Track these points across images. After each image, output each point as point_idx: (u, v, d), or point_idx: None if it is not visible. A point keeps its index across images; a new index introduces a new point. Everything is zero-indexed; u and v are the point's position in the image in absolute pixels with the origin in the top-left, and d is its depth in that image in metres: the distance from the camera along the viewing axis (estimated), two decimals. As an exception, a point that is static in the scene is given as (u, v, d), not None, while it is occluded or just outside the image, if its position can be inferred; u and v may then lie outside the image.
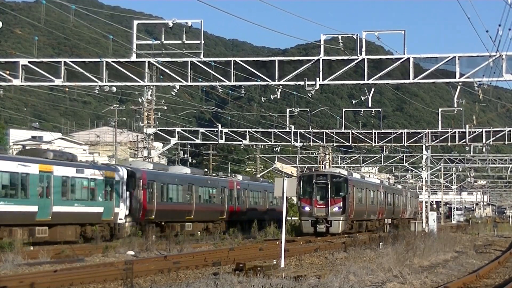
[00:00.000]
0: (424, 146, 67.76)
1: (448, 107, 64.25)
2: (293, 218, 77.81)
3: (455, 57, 36.68)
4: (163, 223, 53.50)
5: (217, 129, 63.49)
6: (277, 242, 42.47)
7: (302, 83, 37.41)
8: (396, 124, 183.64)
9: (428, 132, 63.87)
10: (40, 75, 38.43)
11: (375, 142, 64.09)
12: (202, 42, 37.43)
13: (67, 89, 46.74)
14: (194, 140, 64.45)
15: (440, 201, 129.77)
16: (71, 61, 38.89)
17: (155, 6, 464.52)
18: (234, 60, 38.16)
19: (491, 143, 63.97)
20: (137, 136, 71.64)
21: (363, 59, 37.03)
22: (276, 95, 39.84)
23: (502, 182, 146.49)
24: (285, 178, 31.37)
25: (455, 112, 57.74)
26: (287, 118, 66.95)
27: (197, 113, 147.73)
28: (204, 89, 52.63)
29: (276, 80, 37.56)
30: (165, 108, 69.86)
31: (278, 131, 65.69)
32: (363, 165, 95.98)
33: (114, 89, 40.03)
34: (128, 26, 40.16)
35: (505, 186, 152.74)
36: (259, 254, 37.00)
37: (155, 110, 66.67)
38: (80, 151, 78.16)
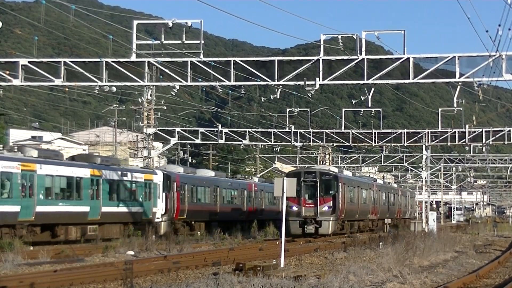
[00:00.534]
0: (424, 146, 67.72)
1: (448, 107, 64.23)
2: None
3: (455, 57, 36.68)
4: (193, 222, 58.44)
5: (217, 129, 63.48)
6: (277, 242, 42.48)
7: (302, 83, 37.40)
8: (396, 124, 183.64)
9: (428, 132, 63.85)
10: (40, 75, 38.42)
11: (375, 142, 64.07)
12: (202, 42, 37.42)
13: (67, 89, 46.69)
14: (194, 140, 64.44)
15: (440, 201, 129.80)
16: (71, 61, 38.89)
17: (155, 6, 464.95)
18: (234, 60, 38.16)
19: (491, 143, 63.97)
20: (137, 136, 71.66)
21: (363, 59, 37.03)
22: (276, 95, 39.83)
23: (502, 182, 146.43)
24: (285, 178, 31.32)
25: (455, 112, 57.72)
26: (287, 118, 66.94)
27: (197, 113, 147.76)
28: (204, 89, 52.67)
29: (276, 80, 37.56)
30: (165, 108, 69.86)
31: (278, 131, 65.69)
32: (363, 165, 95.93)
33: (114, 89, 40.02)
34: (128, 26, 40.16)
35: (505, 186, 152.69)
36: (259, 254, 37.01)
37: (155, 110, 66.66)
38: (80, 151, 78.10)
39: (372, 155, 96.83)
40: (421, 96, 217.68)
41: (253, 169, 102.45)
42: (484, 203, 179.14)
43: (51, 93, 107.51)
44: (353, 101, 57.40)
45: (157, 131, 63.79)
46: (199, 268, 29.51)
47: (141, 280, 24.89)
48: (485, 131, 62.25)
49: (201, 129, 65.28)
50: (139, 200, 51.63)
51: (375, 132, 64.49)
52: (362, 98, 39.78)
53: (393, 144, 68.79)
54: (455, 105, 41.90)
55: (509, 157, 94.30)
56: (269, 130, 67.28)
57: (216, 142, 65.36)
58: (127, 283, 22.61)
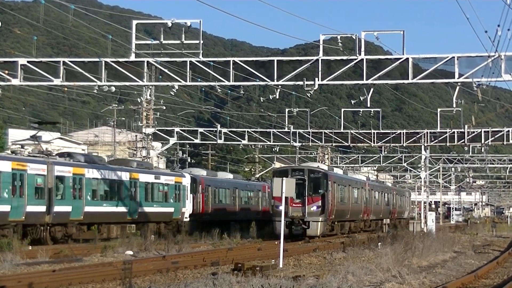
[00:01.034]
0: (423, 146, 67.69)
1: (447, 107, 64.25)
2: None
3: (454, 57, 36.69)
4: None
5: (216, 129, 63.48)
6: (276, 242, 42.46)
7: (301, 83, 37.41)
8: (395, 124, 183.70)
9: (427, 132, 63.85)
10: (39, 74, 38.42)
11: (374, 142, 64.04)
12: (201, 42, 37.43)
13: (66, 89, 46.77)
14: (193, 140, 64.42)
15: (439, 201, 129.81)
16: (70, 61, 38.88)
17: (154, 6, 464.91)
18: (233, 60, 38.16)
19: (489, 143, 63.98)
20: (136, 136, 71.64)
21: (362, 59, 37.04)
22: (275, 95, 39.84)
23: (501, 182, 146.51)
24: (284, 178, 31.27)
25: (454, 112, 57.67)
26: (286, 118, 66.94)
27: (196, 113, 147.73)
28: (203, 89, 52.58)
29: (275, 80, 37.56)
30: (164, 108, 69.84)
31: (277, 131, 65.67)
32: (362, 165, 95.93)
33: (113, 89, 40.02)
34: (127, 26, 40.16)
35: (503, 186, 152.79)
36: (258, 254, 37.02)
37: (154, 110, 66.64)
38: (79, 151, 78.08)
39: (371, 155, 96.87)
40: (420, 96, 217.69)
41: (252, 169, 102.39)
42: (483, 203, 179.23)
43: (50, 92, 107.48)
44: (352, 101, 57.47)
45: (156, 131, 63.79)
46: (198, 268, 29.51)
47: (140, 280, 24.88)
48: (484, 131, 62.26)
49: (200, 129, 65.27)
50: (170, 201, 55.90)
51: (374, 132, 64.46)
52: (361, 98, 39.80)
53: (392, 144, 68.74)
54: (454, 105, 41.93)
55: (508, 157, 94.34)
56: (268, 130, 67.26)
57: (215, 142, 65.34)
58: (125, 283, 22.60)
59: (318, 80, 37.16)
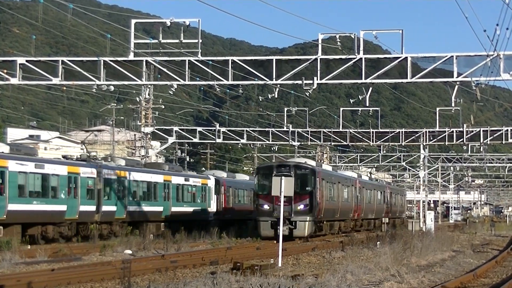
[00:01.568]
0: (421, 146, 67.70)
1: (445, 107, 64.25)
2: None
3: (452, 56, 36.69)
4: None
5: (214, 128, 63.49)
6: (274, 242, 42.44)
7: (300, 82, 37.40)
8: (393, 123, 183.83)
9: (426, 131, 63.90)
10: (38, 74, 38.39)
11: (372, 142, 64.07)
12: (200, 41, 37.43)
13: (64, 88, 46.77)
14: (192, 139, 64.42)
15: (438, 201, 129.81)
16: (69, 60, 38.86)
17: (153, 5, 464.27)
18: (231, 59, 38.16)
19: (488, 142, 64.02)
20: (135, 135, 71.62)
21: (361, 58, 37.03)
22: (273, 94, 39.85)
23: (500, 182, 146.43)
24: (282, 177, 31.17)
25: (452, 111, 57.71)
26: (285, 117, 66.93)
27: (195, 112, 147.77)
28: (202, 88, 52.51)
29: (274, 79, 37.56)
30: (163, 107, 69.81)
31: (276, 130, 65.69)
32: (360, 164, 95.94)
33: (112, 88, 39.94)
34: (126, 25, 40.13)
35: (502, 185, 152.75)
36: (257, 253, 37.02)
37: (153, 109, 66.62)
38: (77, 150, 78.06)
39: (370, 154, 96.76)
40: (419, 95, 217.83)
41: (250, 169, 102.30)
42: (482, 202, 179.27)
43: (49, 92, 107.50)
44: (351, 101, 57.48)
45: (155, 130, 63.82)
46: (197, 267, 29.49)
47: (139, 279, 24.86)
48: (483, 130, 62.31)
49: (199, 128, 65.28)
50: (198, 201, 60.53)
51: (373, 132, 64.50)
52: (360, 97, 39.78)
53: (391, 144, 68.81)
54: (453, 104, 41.86)
55: (506, 156, 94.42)
56: (267, 129, 67.28)
57: (214, 141, 65.39)
58: (124, 282, 22.57)
59: (317, 79, 37.16)
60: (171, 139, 63.21)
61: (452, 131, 62.57)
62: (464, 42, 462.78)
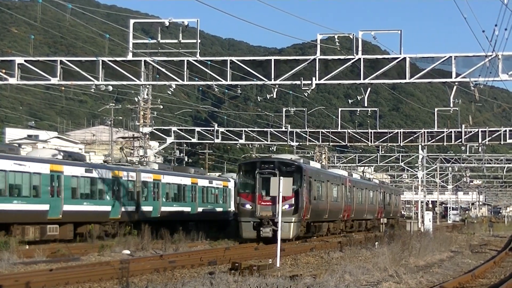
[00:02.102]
0: (420, 146, 67.77)
1: (444, 107, 64.27)
2: None
3: (451, 57, 36.69)
4: None
5: (213, 128, 63.48)
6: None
7: (298, 82, 37.40)
8: (392, 123, 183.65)
9: (424, 131, 63.87)
10: (36, 73, 38.38)
11: (371, 142, 64.06)
12: (199, 41, 37.42)
13: (63, 88, 46.72)
14: (190, 139, 64.41)
15: (436, 201, 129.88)
16: (67, 60, 38.84)
17: (152, 5, 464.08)
18: (230, 59, 38.16)
19: (487, 143, 64.02)
20: (133, 135, 71.55)
21: (359, 58, 37.03)
22: (272, 95, 39.86)
23: (498, 182, 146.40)
24: (281, 177, 31.10)
25: (451, 112, 57.65)
26: (283, 118, 66.89)
27: (193, 112, 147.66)
28: (200, 88, 52.47)
29: (272, 80, 37.56)
30: (161, 107, 69.77)
31: (274, 131, 65.67)
32: (359, 164, 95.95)
33: (110, 88, 39.95)
34: (125, 25, 40.13)
35: (500, 186, 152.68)
36: (255, 253, 37.02)
37: (151, 109, 66.59)
38: (76, 150, 78.02)
39: (368, 154, 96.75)
40: (417, 96, 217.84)
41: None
42: (480, 203, 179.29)
43: (47, 92, 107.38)
44: (350, 101, 57.53)
45: (153, 130, 63.80)
46: (195, 267, 29.50)
47: (137, 279, 24.86)
48: (481, 131, 62.31)
49: (197, 129, 65.26)
50: (219, 202, 64.93)
51: (371, 132, 64.49)
52: (359, 97, 39.82)
53: (389, 144, 68.72)
54: (451, 105, 41.94)
55: (505, 157, 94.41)
56: (265, 129, 67.25)
57: (213, 142, 65.39)
58: (123, 282, 22.58)
59: (315, 80, 37.16)
60: (170, 139, 63.21)
61: (451, 132, 62.56)
62: (463, 43, 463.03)
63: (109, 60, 38.40)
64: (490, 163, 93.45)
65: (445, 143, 65.50)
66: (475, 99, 38.84)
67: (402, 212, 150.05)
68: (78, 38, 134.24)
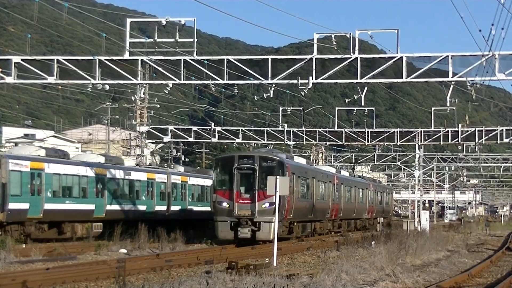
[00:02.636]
0: (416, 145, 67.73)
1: (441, 106, 64.28)
2: None
3: (448, 56, 36.72)
4: None
5: (210, 127, 63.47)
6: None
7: (295, 81, 37.42)
8: (389, 123, 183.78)
9: (421, 131, 63.93)
10: (33, 72, 38.36)
11: (368, 141, 64.09)
12: (195, 40, 37.40)
13: (60, 87, 46.66)
14: (187, 138, 64.39)
15: (433, 200, 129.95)
16: (64, 59, 38.83)
17: (148, 4, 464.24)
18: (227, 59, 38.16)
19: (483, 142, 64.06)
20: (130, 134, 71.56)
21: (356, 58, 37.04)
22: (269, 94, 39.89)
23: (495, 181, 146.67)
24: (277, 176, 30.87)
25: (448, 111, 57.76)
26: (280, 117, 66.95)
27: (190, 111, 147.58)
28: (197, 87, 52.56)
29: (269, 79, 37.56)
30: (158, 106, 69.70)
31: (271, 130, 65.68)
32: (356, 164, 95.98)
33: (107, 87, 39.92)
34: (121, 24, 40.09)
35: (497, 185, 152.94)
36: (252, 252, 37.00)
37: (148, 108, 66.56)
38: (72, 149, 77.97)
39: (365, 154, 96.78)
40: (414, 95, 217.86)
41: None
42: (477, 202, 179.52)
43: (44, 91, 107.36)
44: (346, 100, 57.52)
45: (150, 129, 63.78)
46: (192, 266, 29.47)
47: (134, 278, 24.84)
48: (478, 130, 62.35)
49: (194, 128, 65.26)
50: None
51: (368, 131, 64.54)
52: (355, 97, 39.82)
53: (386, 143, 68.80)
54: (448, 104, 42.01)
55: (501, 156, 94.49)
56: (262, 128, 67.24)
57: (209, 141, 65.37)
58: (119, 281, 22.55)
59: (312, 79, 37.18)
60: (166, 138, 63.20)
61: (447, 131, 62.62)
62: (459, 42, 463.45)
63: (106, 59, 38.39)
64: (486, 163, 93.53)
65: (441, 143, 65.57)
66: (472, 99, 38.89)
67: (398, 211, 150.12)
68: (75, 37, 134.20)
